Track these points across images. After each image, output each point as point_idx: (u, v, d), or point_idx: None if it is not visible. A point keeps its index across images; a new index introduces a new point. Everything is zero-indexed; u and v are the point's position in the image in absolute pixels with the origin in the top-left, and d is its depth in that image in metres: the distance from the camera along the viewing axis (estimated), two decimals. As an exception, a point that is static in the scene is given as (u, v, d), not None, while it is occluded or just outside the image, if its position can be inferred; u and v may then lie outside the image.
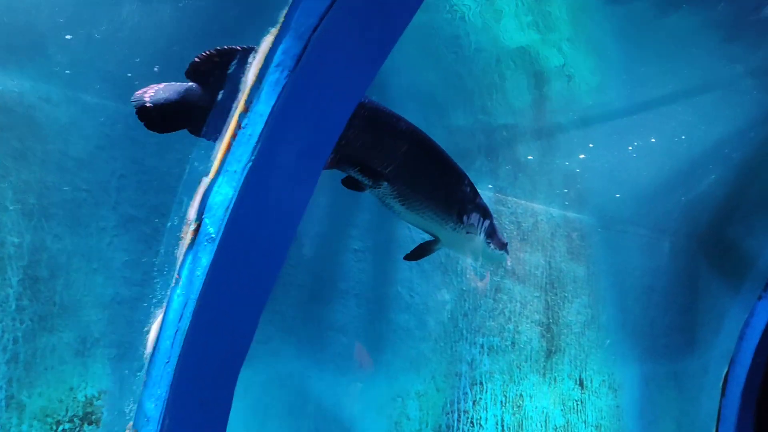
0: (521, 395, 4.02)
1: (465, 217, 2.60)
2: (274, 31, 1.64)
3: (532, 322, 4.18)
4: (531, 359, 4.13)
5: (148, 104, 1.92)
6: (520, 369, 4.05)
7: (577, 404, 4.42)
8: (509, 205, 4.15)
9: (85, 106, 2.64)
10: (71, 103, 2.61)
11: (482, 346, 3.84)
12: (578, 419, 4.41)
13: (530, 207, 4.26)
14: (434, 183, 2.59)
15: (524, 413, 4.01)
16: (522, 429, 3.97)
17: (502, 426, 3.84)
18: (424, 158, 2.57)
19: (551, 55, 3.62)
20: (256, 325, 1.66)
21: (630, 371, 4.98)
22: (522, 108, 4.00)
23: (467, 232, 2.63)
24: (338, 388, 3.22)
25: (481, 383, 3.79)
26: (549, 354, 4.26)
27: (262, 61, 1.65)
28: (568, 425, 4.31)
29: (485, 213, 2.68)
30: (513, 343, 4.03)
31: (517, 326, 4.07)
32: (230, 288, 1.64)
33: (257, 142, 1.58)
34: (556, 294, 4.35)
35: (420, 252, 2.87)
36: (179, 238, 1.71)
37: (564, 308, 4.39)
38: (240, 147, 1.63)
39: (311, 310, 3.23)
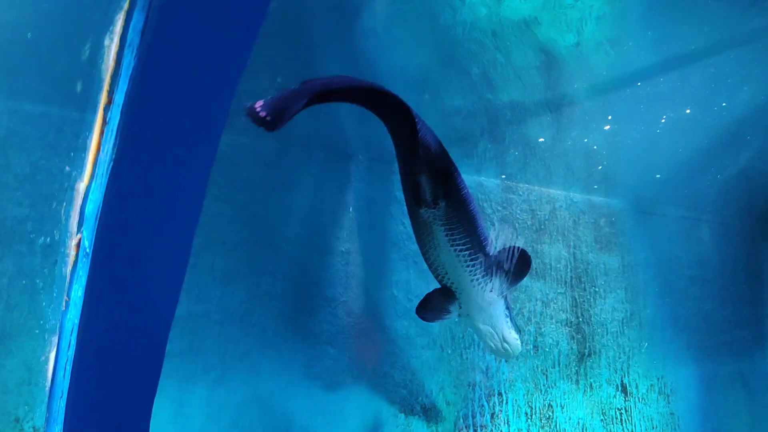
0: (550, 405, 3.72)
1: (493, 272, 2.56)
2: (125, 6, 1.46)
3: (557, 322, 3.88)
4: (560, 364, 3.82)
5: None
6: (546, 376, 3.75)
7: (621, 413, 4.07)
8: (520, 193, 3.89)
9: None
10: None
11: (498, 351, 3.57)
12: (623, 430, 4.06)
13: (546, 193, 3.97)
14: (479, 224, 2.58)
15: (555, 425, 3.71)
16: (553, 444, 3.67)
17: (528, 442, 3.55)
18: (471, 197, 2.58)
19: (559, 16, 3.37)
20: (163, 347, 1.47)
21: (685, 373, 4.59)
22: (529, 81, 3.75)
23: (491, 291, 2.58)
24: (328, 406, 3.04)
25: (500, 393, 3.53)
26: (581, 357, 3.95)
27: (117, 42, 1.49)
28: (610, 437, 3.97)
29: (512, 280, 2.62)
30: (536, 347, 3.75)
31: (540, 328, 3.78)
32: (116, 308, 1.44)
33: (116, 138, 1.39)
34: (585, 290, 4.04)
35: (433, 306, 2.75)
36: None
37: (596, 305, 4.07)
38: (105, 145, 1.47)
39: (294, 321, 3.06)
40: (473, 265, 2.56)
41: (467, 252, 2.53)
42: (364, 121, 3.33)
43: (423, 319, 2.78)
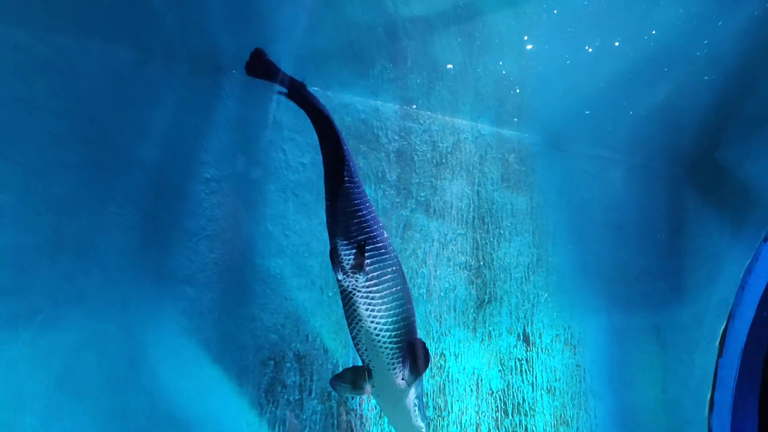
0: (443, 354, 3.71)
1: (409, 359, 2.62)
2: None
3: (455, 265, 3.83)
4: (456, 310, 3.80)
5: None
6: (440, 323, 3.72)
7: (521, 364, 4.12)
8: (422, 121, 3.76)
9: None
10: None
11: (387, 295, 3.49)
12: (523, 381, 4.11)
13: (451, 123, 3.86)
14: (406, 305, 2.65)
15: (447, 375, 3.71)
16: (444, 394, 3.67)
17: (417, 392, 3.52)
18: (399, 270, 2.64)
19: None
20: None
21: (594, 324, 4.67)
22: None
23: (402, 378, 2.63)
24: (183, 353, 2.89)
25: (385, 341, 3.46)
26: (481, 304, 3.94)
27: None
28: (509, 389, 4.01)
29: (414, 372, 2.68)
30: (429, 291, 3.70)
31: (435, 270, 3.73)
32: None
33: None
34: (488, 231, 4.00)
35: (347, 381, 2.80)
36: None
37: (499, 249, 4.05)
38: None
39: (144, 257, 2.87)
40: (392, 349, 2.62)
41: (388, 333, 2.59)
42: (242, 29, 3.10)
43: (335, 390, 2.85)
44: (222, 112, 3.11)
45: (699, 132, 4.99)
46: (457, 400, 3.74)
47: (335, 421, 3.26)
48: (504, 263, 4.05)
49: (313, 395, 3.18)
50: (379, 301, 2.58)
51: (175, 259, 2.93)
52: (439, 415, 3.63)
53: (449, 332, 3.75)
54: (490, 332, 3.95)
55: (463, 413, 3.76)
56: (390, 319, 2.60)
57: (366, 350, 2.66)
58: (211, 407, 2.93)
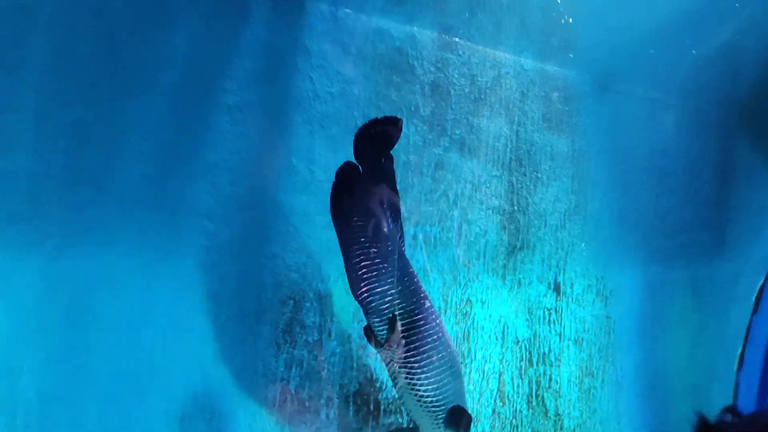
0: (469, 300, 3.56)
1: (451, 425, 2.64)
2: None
3: (488, 208, 3.63)
4: (485, 256, 3.62)
5: None
6: (468, 268, 3.55)
7: (550, 313, 3.96)
8: (460, 52, 3.48)
9: None
10: None
11: (414, 237, 3.33)
12: (551, 331, 3.96)
13: (492, 55, 3.57)
14: (446, 371, 2.66)
15: (473, 322, 3.56)
16: (468, 341, 3.53)
17: (440, 337, 3.39)
18: (442, 337, 2.66)
19: None
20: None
21: (629, 275, 4.47)
22: None
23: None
24: (199, 290, 2.77)
25: (411, 283, 3.31)
26: (512, 250, 3.75)
27: None
28: (535, 338, 3.87)
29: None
30: (459, 235, 3.51)
31: (466, 213, 3.53)
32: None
33: None
34: (525, 174, 3.77)
35: None
36: None
37: (536, 193, 3.82)
38: None
39: (162, 188, 2.72)
40: (435, 412, 2.62)
41: (429, 400, 2.59)
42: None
43: None
44: (247, 36, 2.88)
45: (759, 78, 4.62)
46: (481, 348, 3.62)
47: (354, 364, 3.16)
48: (539, 209, 3.84)
49: (332, 337, 3.07)
50: (419, 370, 2.57)
51: (194, 192, 2.77)
52: (462, 362, 3.51)
53: (477, 278, 3.58)
54: (519, 280, 3.78)
55: (486, 361, 3.64)
56: (431, 386, 2.59)
57: (409, 412, 2.73)
58: (227, 345, 2.83)
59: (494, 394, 3.66)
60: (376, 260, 2.61)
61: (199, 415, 2.80)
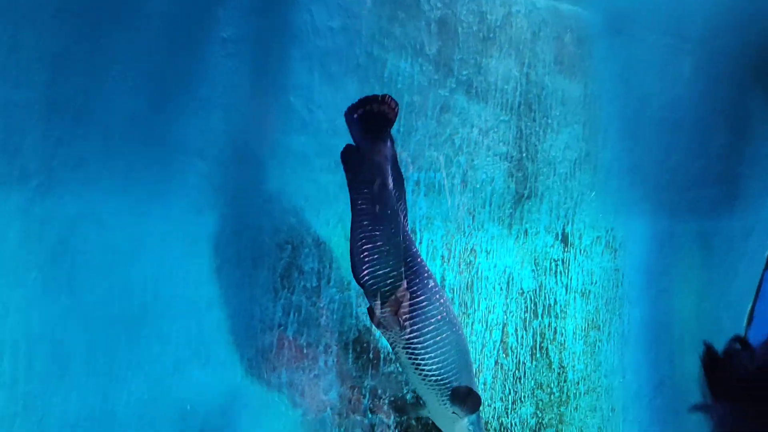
0: (473, 250, 3.42)
1: (457, 403, 2.64)
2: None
3: (495, 155, 3.47)
4: (491, 204, 3.48)
5: None
6: (473, 216, 3.41)
7: (557, 264, 3.83)
8: (469, -12, 3.28)
9: None
10: None
11: (418, 182, 3.18)
12: (557, 283, 3.85)
13: (502, -8, 3.38)
14: (451, 351, 2.65)
15: (476, 272, 3.44)
16: (472, 291, 3.41)
17: (442, 286, 3.28)
18: (446, 317, 2.66)
19: None
20: None
21: (638, 227, 4.34)
22: None
23: (453, 412, 2.67)
24: (190, 230, 2.64)
25: (413, 231, 3.18)
26: (519, 199, 3.61)
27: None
28: (541, 289, 3.76)
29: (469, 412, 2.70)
30: (464, 182, 3.36)
31: (472, 159, 3.37)
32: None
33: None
34: (535, 120, 3.59)
35: (405, 411, 2.99)
36: None
37: (545, 140, 3.66)
38: None
39: (150, 124, 2.55)
40: (440, 390, 2.62)
41: (434, 379, 2.59)
42: None
43: (398, 412, 3.01)
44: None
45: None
46: (485, 298, 3.51)
47: (353, 311, 3.04)
48: (549, 156, 3.68)
49: (331, 283, 2.95)
50: (422, 351, 2.57)
51: (185, 129, 2.61)
52: (464, 313, 3.40)
53: (482, 227, 3.45)
54: (526, 230, 3.65)
55: (489, 312, 3.53)
56: (434, 367, 2.59)
57: (415, 389, 2.80)
58: (222, 289, 2.71)
59: (497, 345, 3.56)
60: (378, 243, 2.57)
61: (194, 361, 2.70)
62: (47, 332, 2.37)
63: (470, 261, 3.42)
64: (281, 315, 2.86)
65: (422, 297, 2.61)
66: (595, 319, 4.06)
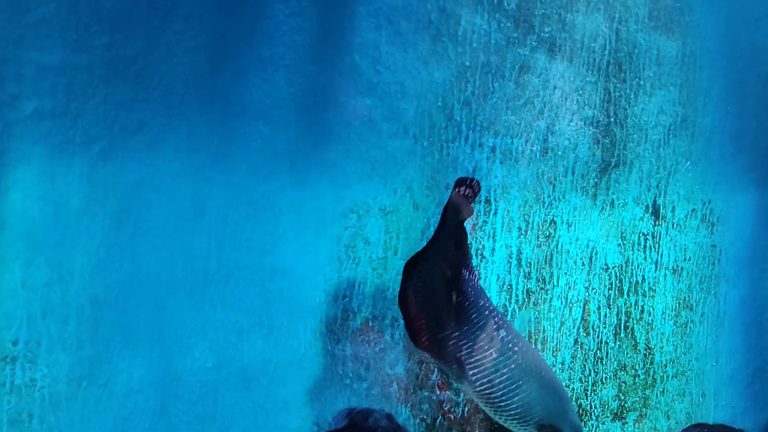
0: (553, 221, 3.16)
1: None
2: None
3: (580, 119, 3.17)
4: (574, 173, 3.20)
5: None
6: (554, 186, 3.14)
7: (646, 239, 3.51)
8: (554, -65, 2.97)
9: None
10: None
11: (493, 149, 2.95)
12: (646, 259, 3.52)
13: (591, -61, 3.04)
14: (532, 393, 2.60)
15: (556, 245, 3.18)
16: (550, 266, 3.17)
17: (518, 260, 3.05)
18: (523, 363, 2.60)
19: None
20: None
21: (740, 201, 3.93)
22: None
23: None
24: (255, 197, 2.53)
25: (487, 201, 2.96)
26: (606, 168, 3.30)
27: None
28: (627, 265, 3.45)
29: None
30: (545, 149, 3.09)
31: (554, 124, 3.10)
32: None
33: None
34: (625, 81, 3.27)
35: None
36: None
37: (636, 103, 3.33)
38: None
39: (213, 85, 2.45)
40: (527, 429, 2.59)
41: (516, 421, 2.55)
42: None
43: None
44: None
45: None
46: (565, 273, 3.25)
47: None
48: (640, 121, 3.35)
49: (398, 255, 2.78)
50: (496, 399, 2.52)
51: (248, 91, 2.49)
52: (542, 288, 3.16)
53: (563, 197, 3.18)
54: (612, 201, 3.34)
55: (570, 288, 3.27)
56: (513, 412, 2.54)
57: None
58: (285, 258, 2.60)
59: (577, 323, 3.31)
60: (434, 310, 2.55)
61: (257, 330, 2.62)
62: (111, 298, 2.34)
63: (549, 233, 3.16)
64: (346, 287, 2.72)
65: (490, 351, 2.53)
66: (687, 299, 3.71)
